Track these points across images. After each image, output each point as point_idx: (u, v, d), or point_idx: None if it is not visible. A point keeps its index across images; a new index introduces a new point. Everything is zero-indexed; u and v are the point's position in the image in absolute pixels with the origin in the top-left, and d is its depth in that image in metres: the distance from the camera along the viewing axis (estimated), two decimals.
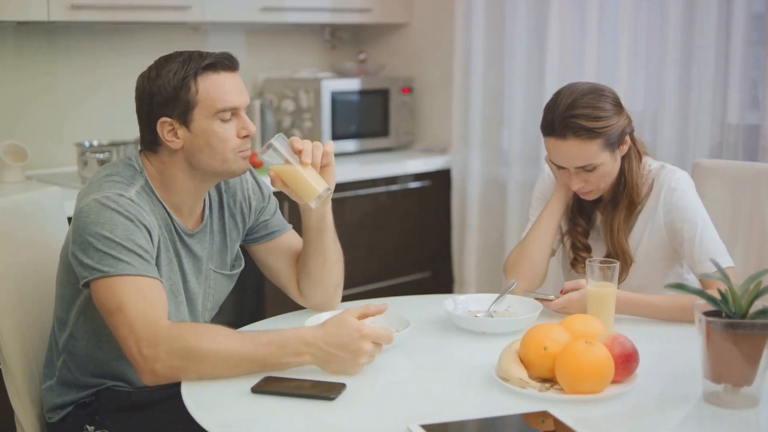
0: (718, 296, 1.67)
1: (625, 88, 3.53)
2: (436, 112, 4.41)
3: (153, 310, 1.83)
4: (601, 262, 2.03)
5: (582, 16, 3.68)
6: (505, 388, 1.74)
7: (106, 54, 3.80)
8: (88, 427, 2.03)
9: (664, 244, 2.32)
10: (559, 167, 2.28)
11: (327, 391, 1.72)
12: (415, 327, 2.04)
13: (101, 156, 3.42)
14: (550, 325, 1.81)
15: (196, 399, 1.73)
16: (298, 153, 2.01)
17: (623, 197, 2.33)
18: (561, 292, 2.18)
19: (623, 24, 3.54)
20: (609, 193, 2.35)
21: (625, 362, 1.74)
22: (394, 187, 4.04)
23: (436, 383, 1.84)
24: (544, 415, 1.63)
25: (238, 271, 2.23)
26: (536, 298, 2.20)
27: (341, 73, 4.35)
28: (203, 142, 1.97)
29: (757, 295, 1.65)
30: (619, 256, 2.31)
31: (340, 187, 3.72)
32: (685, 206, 2.28)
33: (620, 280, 2.31)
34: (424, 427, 1.56)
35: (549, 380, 1.76)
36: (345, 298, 2.29)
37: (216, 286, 2.18)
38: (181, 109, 1.95)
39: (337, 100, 4.07)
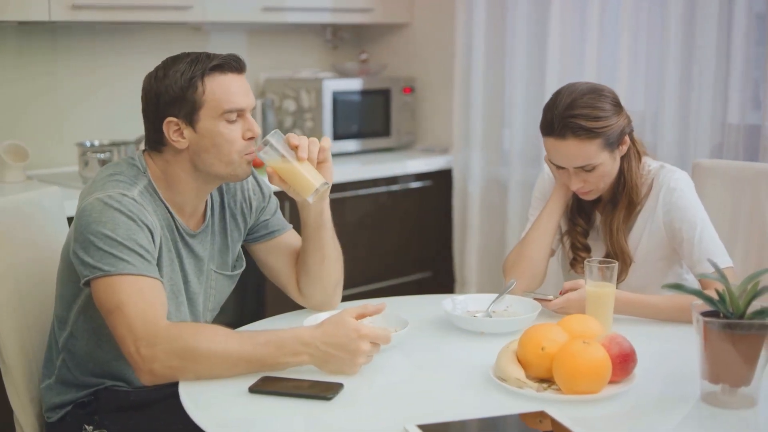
0: (715, 296, 1.67)
1: (625, 88, 3.53)
2: (438, 112, 4.40)
3: (152, 310, 1.84)
4: (600, 262, 2.03)
5: (583, 16, 3.68)
6: (502, 388, 1.74)
7: (107, 54, 3.80)
8: (87, 426, 2.03)
9: (664, 244, 2.32)
10: (559, 167, 2.28)
11: (324, 391, 1.72)
12: (414, 327, 2.04)
13: (102, 156, 3.42)
14: (548, 326, 1.82)
15: (193, 399, 1.73)
16: (295, 149, 2.01)
17: (623, 197, 2.32)
18: (560, 292, 2.18)
19: (624, 24, 3.54)
20: (608, 193, 2.35)
21: (623, 362, 1.74)
22: (395, 187, 4.04)
23: (433, 383, 1.84)
24: (541, 416, 1.63)
25: (239, 271, 2.23)
26: (535, 299, 2.20)
27: (342, 73, 4.35)
28: (209, 142, 1.97)
29: (755, 295, 1.65)
30: (619, 256, 2.31)
31: (341, 186, 3.74)
32: (684, 206, 2.28)
33: (620, 280, 2.31)
34: (420, 427, 1.56)
35: (546, 380, 1.76)
36: (346, 298, 2.29)
37: (217, 286, 2.18)
38: (188, 109, 1.96)
39: (338, 100, 4.07)
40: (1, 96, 3.56)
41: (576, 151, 2.21)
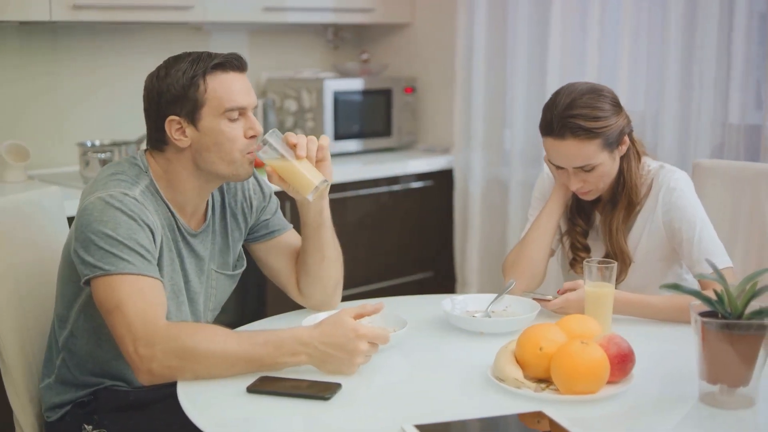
0: (713, 297, 1.67)
1: (626, 88, 3.53)
2: (439, 112, 4.41)
3: (152, 310, 1.84)
4: (599, 262, 2.03)
5: (583, 17, 3.68)
6: (500, 388, 1.74)
7: (108, 54, 3.81)
8: (86, 426, 2.04)
9: (663, 244, 2.32)
10: (558, 167, 2.28)
11: (322, 391, 1.72)
12: (413, 327, 2.04)
13: (103, 156, 3.42)
14: (546, 326, 1.81)
15: (192, 399, 1.73)
16: (293, 147, 2.01)
17: (622, 197, 2.32)
18: (558, 292, 2.18)
19: (624, 24, 3.54)
20: (608, 194, 2.35)
21: (621, 363, 1.73)
22: (396, 187, 4.04)
23: (432, 383, 1.84)
24: (539, 416, 1.63)
25: (240, 271, 2.23)
26: (534, 299, 2.20)
27: (344, 73, 4.35)
28: (211, 141, 1.98)
29: (753, 295, 1.65)
30: (618, 256, 2.30)
31: (342, 187, 3.74)
32: (683, 206, 2.28)
33: (619, 280, 2.31)
34: (418, 427, 1.56)
35: (545, 380, 1.76)
36: (346, 298, 2.30)
37: (218, 286, 2.18)
38: (190, 107, 1.97)
39: (339, 100, 4.07)
40: (2, 96, 3.57)
41: (575, 151, 2.21)
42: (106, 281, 1.85)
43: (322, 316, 2.02)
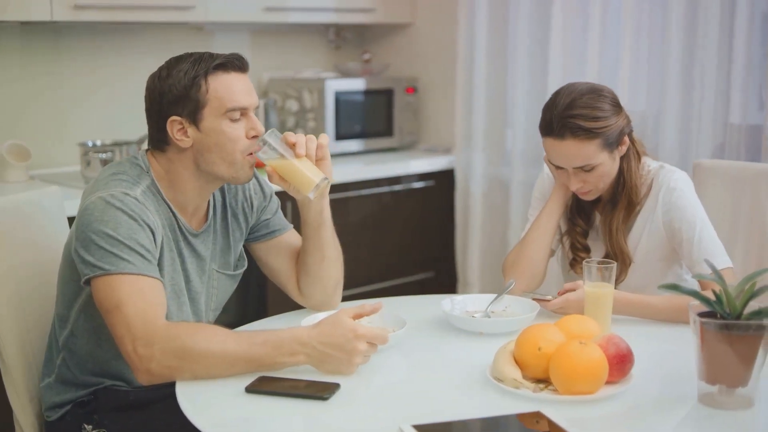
0: (712, 297, 1.67)
1: (627, 88, 3.53)
2: (440, 112, 4.41)
3: (151, 309, 1.84)
4: (599, 262, 2.03)
5: (584, 17, 3.68)
6: (499, 388, 1.74)
7: (109, 54, 3.81)
8: (86, 426, 2.04)
9: (663, 244, 2.32)
10: (558, 167, 2.28)
11: (321, 391, 1.72)
12: (412, 327, 2.04)
13: (104, 156, 3.43)
14: (545, 326, 1.81)
15: (190, 399, 1.73)
16: (292, 146, 2.02)
17: (622, 197, 2.32)
18: (558, 293, 2.18)
19: (626, 24, 3.53)
20: (608, 194, 2.35)
21: (620, 363, 1.73)
22: (397, 187, 4.04)
23: (431, 383, 1.84)
24: (537, 416, 1.63)
25: (241, 271, 2.23)
26: (534, 299, 2.19)
27: (345, 73, 4.36)
28: (212, 141, 1.98)
29: (752, 295, 1.65)
30: (618, 256, 2.30)
31: (343, 187, 3.74)
32: (683, 206, 2.27)
33: (619, 280, 2.31)
34: (416, 427, 1.56)
35: (543, 381, 1.76)
36: (348, 298, 2.30)
37: (219, 286, 2.18)
38: (191, 108, 1.97)
39: (341, 100, 4.07)
40: (4, 96, 3.57)
41: (575, 151, 2.21)
42: (106, 281, 1.85)
43: (321, 316, 2.03)
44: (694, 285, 2.31)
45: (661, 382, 1.84)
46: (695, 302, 1.69)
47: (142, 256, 1.88)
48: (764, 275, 1.71)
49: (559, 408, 1.65)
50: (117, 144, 3.60)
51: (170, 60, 2.02)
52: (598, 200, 2.38)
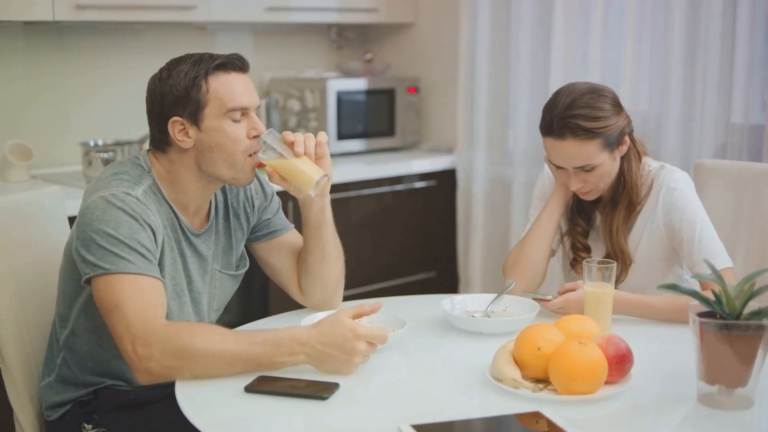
0: (712, 297, 1.66)
1: (629, 88, 3.52)
2: (442, 111, 4.40)
3: (151, 309, 1.84)
4: (599, 262, 2.03)
5: (586, 17, 3.67)
6: (498, 388, 1.74)
7: (111, 54, 3.81)
8: (86, 425, 2.04)
9: (664, 244, 2.32)
10: (558, 167, 2.28)
11: (320, 391, 1.72)
12: (412, 327, 2.04)
13: (106, 155, 3.43)
14: (544, 326, 1.81)
15: (189, 399, 1.73)
16: (291, 145, 2.02)
17: (623, 197, 2.32)
18: (558, 292, 2.17)
19: (628, 24, 3.53)
20: (608, 194, 2.34)
21: (619, 363, 1.73)
22: (399, 187, 4.04)
23: (430, 383, 1.83)
24: (537, 416, 1.63)
25: (243, 271, 2.24)
26: (534, 299, 2.19)
27: (347, 73, 4.36)
28: (213, 141, 1.98)
29: (752, 295, 1.64)
30: (618, 256, 2.30)
31: (345, 186, 3.74)
32: (684, 206, 2.27)
33: (619, 280, 2.30)
34: (414, 427, 1.56)
35: (542, 381, 1.76)
36: (349, 298, 2.30)
37: (221, 286, 2.18)
38: (192, 108, 1.97)
39: (342, 99, 4.07)
40: (6, 95, 3.57)
41: (575, 151, 2.21)
42: (106, 280, 1.86)
43: (320, 315, 2.03)
44: (694, 285, 2.30)
45: (660, 382, 1.84)
46: (695, 302, 1.69)
47: (142, 255, 1.88)
48: (764, 275, 1.71)
49: (559, 408, 1.65)
50: (119, 144, 3.60)
51: (171, 61, 2.03)
52: (598, 200, 2.38)
